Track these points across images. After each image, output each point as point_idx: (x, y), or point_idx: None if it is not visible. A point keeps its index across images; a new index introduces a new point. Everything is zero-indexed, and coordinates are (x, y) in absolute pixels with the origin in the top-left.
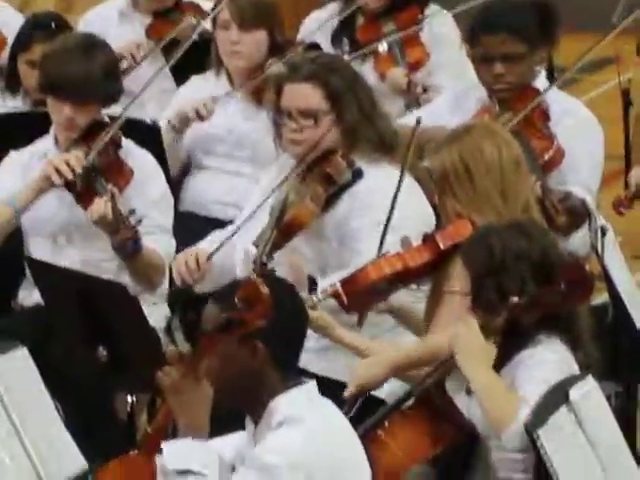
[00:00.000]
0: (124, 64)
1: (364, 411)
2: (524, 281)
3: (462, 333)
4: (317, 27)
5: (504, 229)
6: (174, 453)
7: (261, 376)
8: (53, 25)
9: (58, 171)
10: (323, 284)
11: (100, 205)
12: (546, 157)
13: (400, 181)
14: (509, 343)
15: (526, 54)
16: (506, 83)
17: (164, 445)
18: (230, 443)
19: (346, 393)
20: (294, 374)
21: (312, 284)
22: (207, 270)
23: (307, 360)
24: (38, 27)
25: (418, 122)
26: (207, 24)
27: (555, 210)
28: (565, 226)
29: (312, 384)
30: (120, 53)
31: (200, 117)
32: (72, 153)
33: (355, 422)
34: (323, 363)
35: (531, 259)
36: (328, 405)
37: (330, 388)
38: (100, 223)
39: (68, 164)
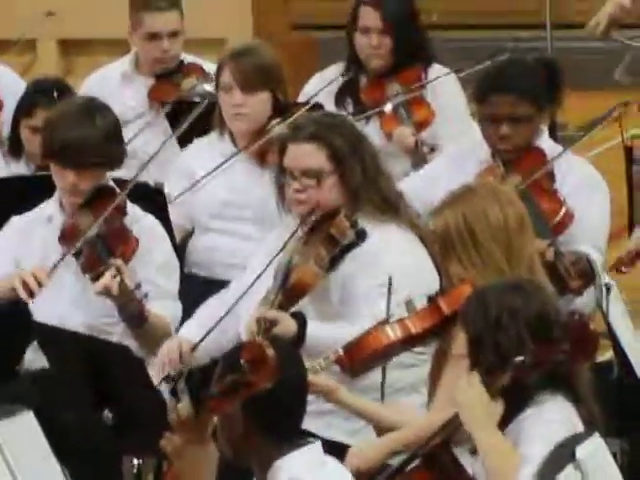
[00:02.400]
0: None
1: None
2: (521, 339)
3: (465, 391)
4: (321, 88)
5: (499, 288)
6: None
7: (254, 445)
8: (55, 91)
9: (25, 285)
10: (315, 329)
11: (106, 280)
12: (556, 219)
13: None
14: (512, 402)
15: (533, 115)
16: (512, 144)
17: None
18: None
19: None
20: (295, 436)
21: (301, 321)
22: (190, 361)
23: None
24: (40, 92)
25: None
26: (210, 86)
27: (569, 274)
28: (578, 289)
29: (317, 445)
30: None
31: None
32: (39, 267)
33: None
34: (321, 424)
35: (527, 316)
36: (333, 466)
37: (330, 450)
38: (105, 296)
39: (35, 278)
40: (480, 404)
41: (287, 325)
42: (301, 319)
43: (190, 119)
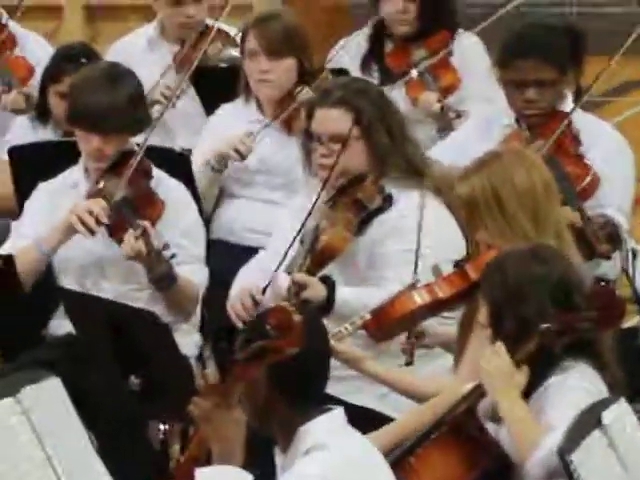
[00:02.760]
0: (158, 107)
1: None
2: (543, 307)
3: (490, 360)
4: (346, 53)
5: (518, 256)
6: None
7: (278, 414)
8: (82, 56)
9: (83, 222)
10: (343, 293)
11: (132, 242)
12: (583, 184)
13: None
14: (537, 370)
15: (557, 79)
16: (537, 108)
17: (197, 472)
18: None
19: None
20: (319, 402)
21: (330, 285)
22: (263, 304)
23: (331, 386)
24: (68, 58)
25: None
26: (235, 52)
27: (597, 239)
28: (606, 252)
29: (339, 411)
30: (152, 98)
31: (241, 156)
32: (95, 201)
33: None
34: (349, 389)
35: (548, 284)
36: (355, 433)
37: (356, 415)
38: (134, 259)
39: (91, 213)
40: (504, 373)
41: (316, 289)
42: (330, 283)
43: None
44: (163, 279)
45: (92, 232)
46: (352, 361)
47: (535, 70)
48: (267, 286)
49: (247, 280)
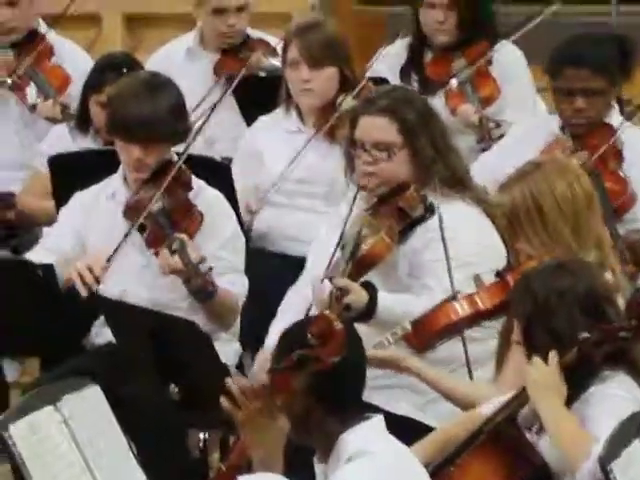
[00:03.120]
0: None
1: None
2: (573, 318)
3: (537, 369)
4: (384, 63)
5: (544, 271)
6: None
7: (318, 424)
8: (124, 66)
9: (82, 279)
10: (385, 299)
11: (168, 257)
12: (618, 202)
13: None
14: (576, 380)
15: (606, 89)
16: (585, 118)
17: (240, 478)
18: None
19: None
20: (359, 410)
21: (372, 291)
22: None
23: (372, 396)
24: (110, 68)
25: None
26: (276, 61)
27: (623, 259)
28: (631, 274)
29: (379, 418)
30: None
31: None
32: (95, 258)
33: None
34: (390, 399)
35: (576, 295)
36: (394, 440)
37: (396, 424)
38: (172, 274)
39: (92, 272)
40: (550, 383)
41: (359, 294)
42: (372, 289)
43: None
44: (201, 292)
45: (90, 290)
46: (395, 361)
47: (586, 79)
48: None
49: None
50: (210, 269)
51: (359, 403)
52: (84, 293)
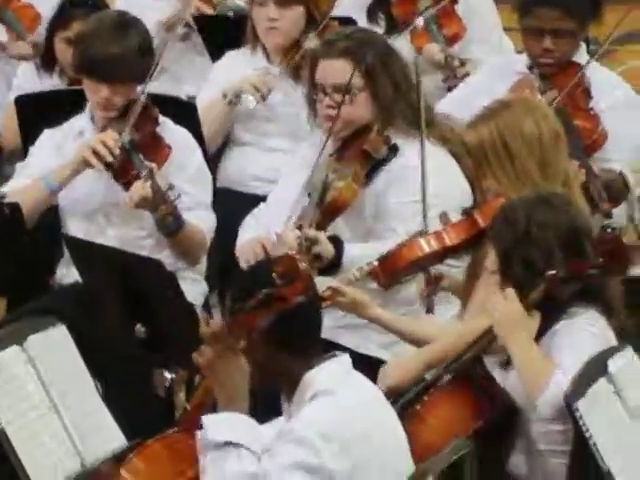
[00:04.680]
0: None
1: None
2: (551, 252)
3: (502, 305)
4: (352, 2)
5: (528, 202)
6: (214, 426)
7: (281, 364)
8: (90, 3)
9: (95, 153)
10: (351, 250)
11: (139, 188)
12: (590, 139)
13: (422, 157)
14: (545, 316)
15: (576, 31)
16: (553, 58)
17: (204, 418)
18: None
19: None
20: (320, 349)
21: (338, 245)
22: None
23: (340, 335)
24: (76, 5)
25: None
26: (241, 1)
27: (600, 196)
28: (607, 211)
29: (345, 357)
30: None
31: (262, 96)
32: (108, 133)
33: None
34: (356, 339)
35: (557, 230)
36: (361, 378)
37: (363, 364)
38: (141, 205)
39: (105, 145)
40: (514, 318)
41: (326, 246)
42: (338, 242)
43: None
44: (169, 220)
45: (107, 165)
46: (357, 305)
47: (557, 20)
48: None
49: (251, 233)
50: (178, 196)
51: (319, 342)
52: (102, 168)
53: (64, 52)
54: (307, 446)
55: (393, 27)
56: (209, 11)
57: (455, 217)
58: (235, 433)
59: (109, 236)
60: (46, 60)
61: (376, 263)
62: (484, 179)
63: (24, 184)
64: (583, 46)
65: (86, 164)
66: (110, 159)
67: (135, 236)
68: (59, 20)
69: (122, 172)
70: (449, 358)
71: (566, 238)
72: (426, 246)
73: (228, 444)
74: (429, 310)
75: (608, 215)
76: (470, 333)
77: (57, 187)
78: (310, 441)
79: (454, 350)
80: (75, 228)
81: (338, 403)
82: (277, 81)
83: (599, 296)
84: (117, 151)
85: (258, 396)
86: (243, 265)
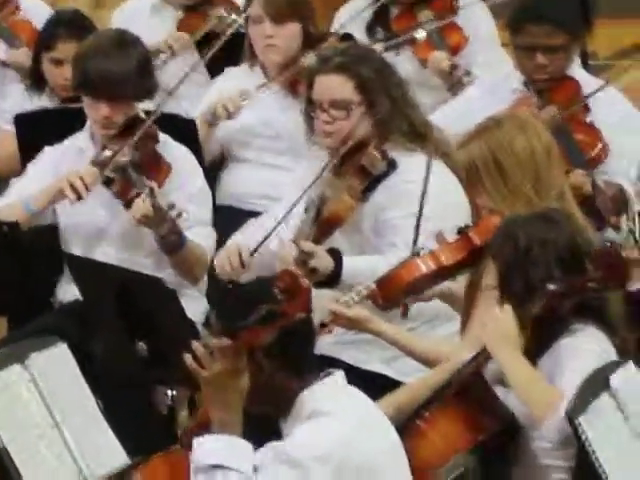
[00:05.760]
0: (161, 57)
1: (377, 390)
2: (551, 270)
3: (496, 320)
4: (351, 18)
5: (528, 219)
6: (204, 448)
7: (277, 383)
8: (75, 23)
9: (72, 187)
10: (350, 263)
11: (140, 205)
12: (592, 153)
13: (427, 176)
14: (545, 333)
15: (568, 45)
16: (547, 73)
17: (195, 440)
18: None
19: None
20: (317, 369)
21: (337, 258)
22: (250, 266)
23: (341, 350)
24: (61, 25)
25: None
26: (239, 18)
27: (607, 210)
28: (616, 224)
29: (339, 374)
30: (157, 46)
31: (228, 114)
32: (88, 169)
33: None
34: (358, 355)
35: (557, 247)
36: (357, 395)
37: (365, 380)
38: (143, 222)
39: (82, 180)
40: (505, 334)
41: (324, 259)
42: (337, 255)
43: (220, 43)
44: (171, 238)
45: (79, 197)
46: (360, 322)
47: (547, 36)
48: (256, 249)
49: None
50: (179, 215)
51: (314, 361)
52: (74, 199)
53: (52, 73)
54: (299, 469)
55: (392, 41)
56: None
57: (451, 236)
58: (225, 455)
59: (109, 255)
60: (35, 81)
61: (374, 286)
62: (478, 197)
63: (8, 203)
64: (577, 59)
65: (61, 194)
66: (84, 195)
67: (135, 255)
68: (45, 41)
69: (123, 191)
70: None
71: (566, 255)
72: (423, 266)
73: (217, 467)
74: (404, 314)
75: (616, 228)
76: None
77: (36, 211)
78: (303, 464)
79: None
80: (75, 246)
81: (334, 424)
82: (251, 101)
83: (599, 312)
84: (93, 187)
85: (251, 418)
86: (218, 272)
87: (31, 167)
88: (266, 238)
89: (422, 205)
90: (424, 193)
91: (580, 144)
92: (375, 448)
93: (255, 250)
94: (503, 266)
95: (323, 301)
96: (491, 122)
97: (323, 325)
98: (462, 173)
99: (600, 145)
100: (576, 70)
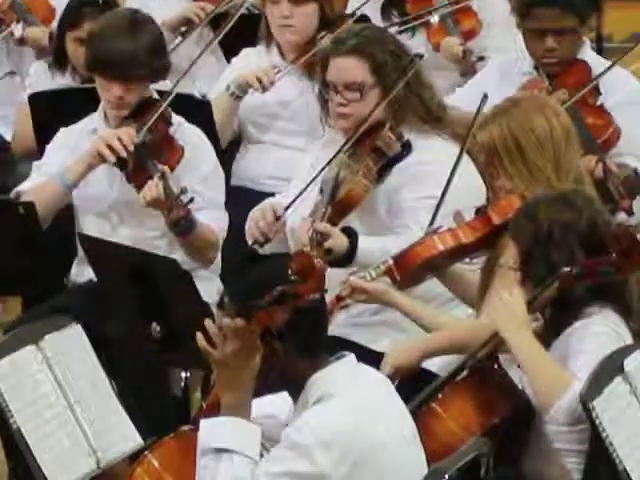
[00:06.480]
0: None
1: (418, 384)
2: (572, 252)
3: (506, 303)
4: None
5: (550, 201)
6: (210, 431)
7: (289, 366)
8: (100, 1)
9: (110, 147)
10: (365, 242)
11: (152, 187)
12: (604, 136)
13: (458, 160)
14: (561, 315)
15: (577, 28)
16: (557, 57)
17: (202, 422)
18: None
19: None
20: (328, 350)
21: (352, 237)
22: (284, 221)
23: (353, 331)
24: (86, 4)
25: (485, 97)
26: None
27: (619, 193)
28: (629, 208)
29: (351, 357)
30: (184, 14)
31: (262, 86)
32: (124, 129)
33: (408, 395)
34: (369, 335)
35: (578, 230)
36: (370, 376)
37: (376, 360)
38: (153, 205)
39: (120, 140)
40: (514, 314)
41: (339, 239)
42: (352, 234)
43: (232, 21)
44: (181, 223)
45: (120, 160)
46: (378, 294)
47: (556, 19)
48: (289, 205)
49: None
50: (191, 200)
51: (326, 343)
52: (114, 162)
53: (76, 51)
54: (303, 454)
55: (407, 24)
56: (212, 8)
57: (469, 215)
58: (230, 439)
59: (123, 235)
60: (58, 59)
61: (391, 262)
62: (497, 178)
63: (40, 182)
64: (587, 42)
65: (99, 157)
66: (124, 154)
67: (149, 236)
68: (69, 19)
69: (135, 173)
70: (451, 349)
71: (587, 238)
72: (441, 244)
73: (222, 450)
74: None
75: (629, 212)
76: (480, 329)
77: (72, 183)
78: (308, 449)
79: (458, 342)
80: (89, 227)
81: (341, 409)
82: (282, 75)
83: (616, 296)
84: (132, 147)
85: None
86: (251, 233)
87: (50, 149)
88: (298, 196)
89: (445, 190)
90: (450, 177)
91: (592, 128)
92: (385, 433)
93: (288, 207)
94: (524, 248)
95: (338, 278)
96: (509, 103)
97: (340, 298)
98: (478, 155)
99: (611, 128)
100: (587, 52)
